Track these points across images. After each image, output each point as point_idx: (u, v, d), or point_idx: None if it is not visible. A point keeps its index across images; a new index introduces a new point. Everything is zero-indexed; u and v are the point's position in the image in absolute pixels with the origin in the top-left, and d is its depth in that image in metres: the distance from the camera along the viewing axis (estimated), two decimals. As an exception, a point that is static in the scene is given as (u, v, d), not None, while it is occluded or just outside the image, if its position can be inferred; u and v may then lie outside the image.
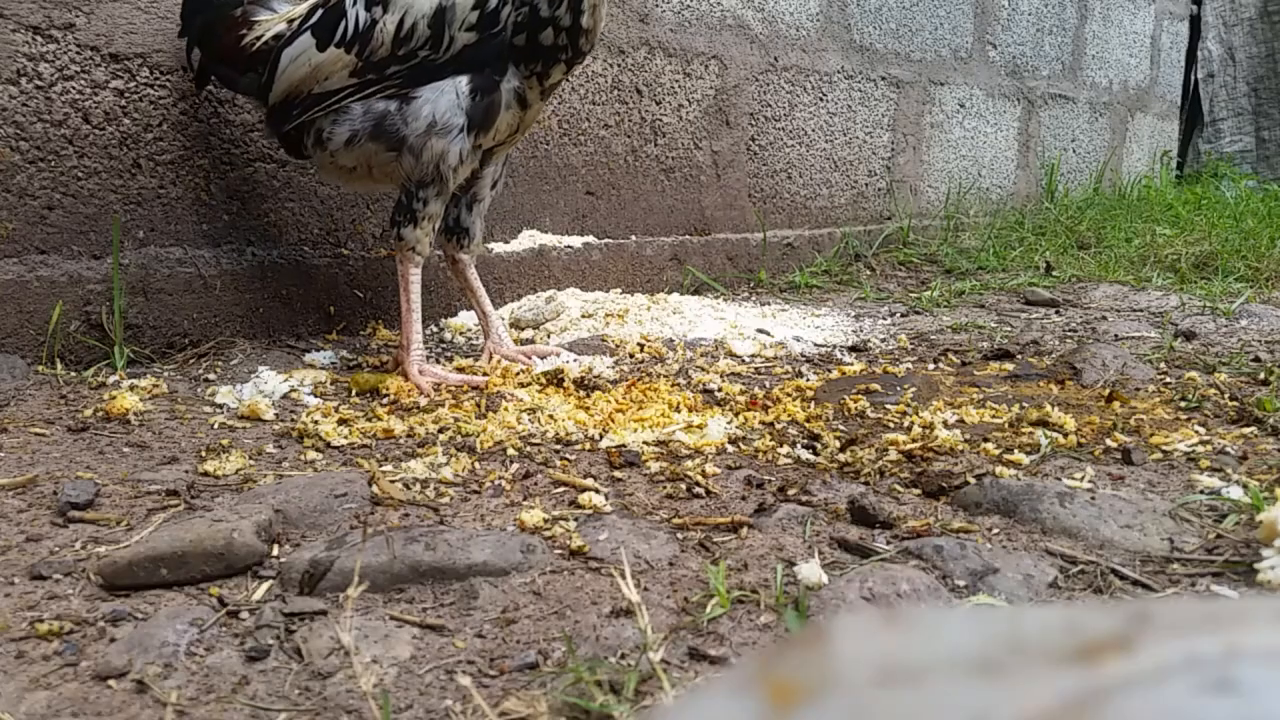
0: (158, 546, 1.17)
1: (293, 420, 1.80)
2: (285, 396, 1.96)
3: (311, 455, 1.62)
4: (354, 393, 2.00)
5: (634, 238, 3.21)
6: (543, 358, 2.20)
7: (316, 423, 1.75)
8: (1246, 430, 1.77)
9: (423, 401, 1.92)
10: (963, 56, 4.45)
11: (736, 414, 1.88)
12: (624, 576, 1.11)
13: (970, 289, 3.51)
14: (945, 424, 1.80)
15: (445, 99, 1.95)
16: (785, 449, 1.69)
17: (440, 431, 1.74)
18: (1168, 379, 2.17)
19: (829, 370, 2.28)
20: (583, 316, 2.72)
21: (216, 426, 1.78)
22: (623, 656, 1.01)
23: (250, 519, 1.22)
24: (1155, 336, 2.69)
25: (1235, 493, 1.44)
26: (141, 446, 1.65)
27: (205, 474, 1.52)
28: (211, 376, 2.09)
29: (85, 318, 2.11)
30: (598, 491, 1.45)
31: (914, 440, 1.72)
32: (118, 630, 1.06)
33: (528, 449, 1.67)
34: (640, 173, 3.23)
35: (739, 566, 1.23)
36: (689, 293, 3.27)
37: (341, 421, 1.79)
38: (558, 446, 1.69)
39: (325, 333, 2.49)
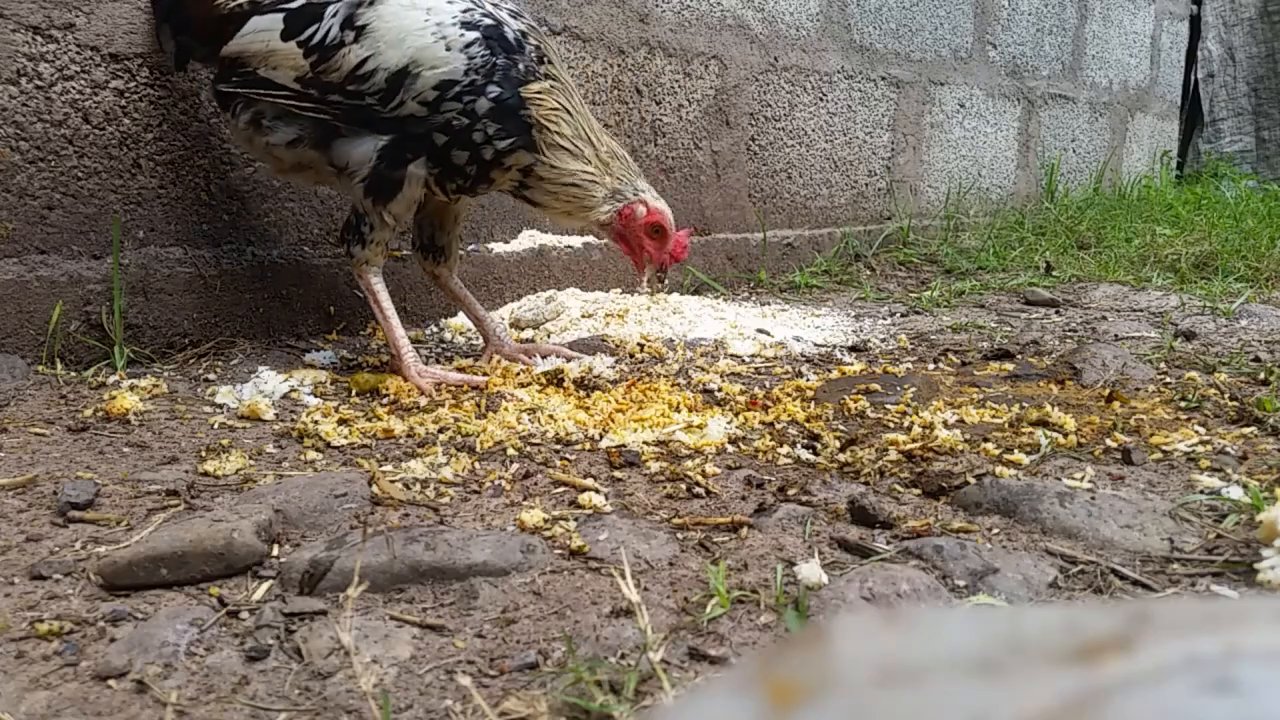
0: (158, 546, 1.17)
1: (293, 420, 1.80)
2: (285, 396, 1.96)
3: (311, 455, 1.62)
4: (354, 393, 2.00)
5: (634, 238, 3.21)
6: (544, 357, 2.20)
7: (316, 423, 1.75)
8: (1246, 430, 1.77)
9: (423, 402, 1.92)
10: (963, 57, 4.45)
11: (736, 414, 1.88)
12: (624, 576, 1.11)
13: (970, 289, 3.51)
14: (945, 424, 1.80)
15: (360, 151, 1.98)
16: (785, 449, 1.69)
17: (440, 432, 1.74)
18: (1168, 379, 2.17)
19: (829, 370, 2.28)
20: (583, 316, 2.72)
21: (216, 426, 1.78)
22: (623, 656, 1.01)
23: (250, 519, 1.22)
24: (1155, 336, 2.69)
25: (1235, 493, 1.44)
26: (141, 446, 1.65)
27: (205, 474, 1.52)
28: (211, 376, 2.09)
29: (85, 318, 2.11)
30: (598, 491, 1.45)
31: (914, 440, 1.72)
32: (118, 630, 1.06)
33: (528, 449, 1.67)
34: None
35: (739, 566, 1.23)
36: (689, 293, 3.27)
37: (341, 421, 1.79)
38: (558, 446, 1.69)
39: (325, 333, 2.49)
